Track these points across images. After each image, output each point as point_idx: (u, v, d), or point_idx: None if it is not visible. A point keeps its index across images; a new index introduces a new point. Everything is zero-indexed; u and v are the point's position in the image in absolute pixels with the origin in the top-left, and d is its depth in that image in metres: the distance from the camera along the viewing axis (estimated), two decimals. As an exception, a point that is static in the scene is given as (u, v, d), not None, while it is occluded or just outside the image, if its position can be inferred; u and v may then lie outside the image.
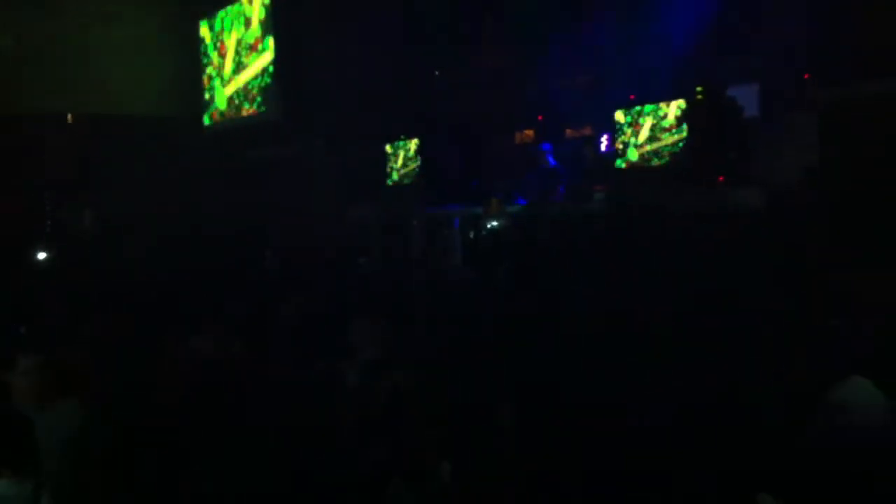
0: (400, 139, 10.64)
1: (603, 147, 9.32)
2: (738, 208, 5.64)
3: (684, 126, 7.82)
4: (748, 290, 3.99)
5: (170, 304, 4.72)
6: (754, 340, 3.22)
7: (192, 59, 12.36)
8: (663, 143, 8.23)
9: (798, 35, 6.52)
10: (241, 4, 11.22)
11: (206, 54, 12.32)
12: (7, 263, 6.80)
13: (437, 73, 10.31)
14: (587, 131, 9.77)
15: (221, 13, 11.76)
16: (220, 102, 12.01)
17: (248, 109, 11.27)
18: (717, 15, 7.45)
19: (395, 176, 10.84)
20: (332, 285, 5.59)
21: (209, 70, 12.27)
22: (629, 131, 8.69)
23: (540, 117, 10.14)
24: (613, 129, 8.95)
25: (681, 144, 7.95)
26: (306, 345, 3.80)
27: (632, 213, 6.43)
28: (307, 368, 3.50)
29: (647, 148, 8.42)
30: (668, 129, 8.17)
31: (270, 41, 10.54)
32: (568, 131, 10.09)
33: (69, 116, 11.24)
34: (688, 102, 7.68)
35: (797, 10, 6.50)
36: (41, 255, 7.58)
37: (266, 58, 10.69)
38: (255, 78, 10.99)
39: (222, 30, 11.80)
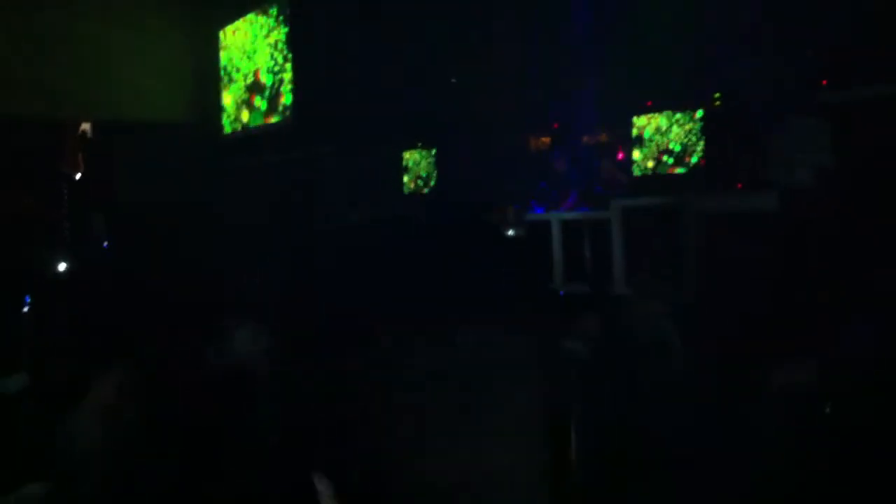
0: (416, 147, 10.66)
1: (619, 156, 9.29)
2: (754, 211, 5.62)
3: (686, 132, 7.80)
4: (765, 291, 3.98)
5: (187, 304, 4.75)
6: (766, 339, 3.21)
7: (210, 67, 12.49)
8: (674, 151, 8.20)
9: (812, 38, 6.50)
10: (260, 13, 11.33)
11: (224, 62, 12.44)
12: (28, 268, 6.88)
13: (452, 80, 10.34)
14: (603, 138, 9.73)
15: (240, 21, 11.88)
16: (239, 110, 12.11)
17: (266, 117, 11.36)
18: (732, 19, 7.43)
19: (409, 184, 10.86)
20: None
21: (227, 78, 12.39)
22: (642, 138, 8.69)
23: (556, 125, 10.13)
24: (630, 137, 8.93)
25: (684, 150, 7.93)
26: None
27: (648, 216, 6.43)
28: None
29: (663, 157, 8.40)
30: (664, 133, 8.15)
31: (289, 50, 10.63)
32: (584, 138, 10.05)
33: (85, 123, 11.36)
34: (705, 109, 7.66)
35: (811, 13, 6.47)
36: (62, 265, 7.67)
37: (284, 67, 10.77)
38: (273, 86, 11.08)
39: (241, 38, 11.92)
